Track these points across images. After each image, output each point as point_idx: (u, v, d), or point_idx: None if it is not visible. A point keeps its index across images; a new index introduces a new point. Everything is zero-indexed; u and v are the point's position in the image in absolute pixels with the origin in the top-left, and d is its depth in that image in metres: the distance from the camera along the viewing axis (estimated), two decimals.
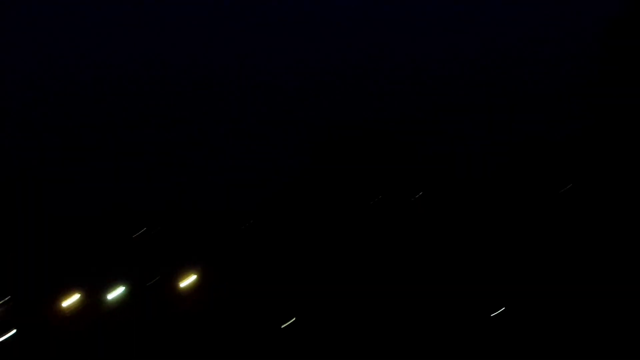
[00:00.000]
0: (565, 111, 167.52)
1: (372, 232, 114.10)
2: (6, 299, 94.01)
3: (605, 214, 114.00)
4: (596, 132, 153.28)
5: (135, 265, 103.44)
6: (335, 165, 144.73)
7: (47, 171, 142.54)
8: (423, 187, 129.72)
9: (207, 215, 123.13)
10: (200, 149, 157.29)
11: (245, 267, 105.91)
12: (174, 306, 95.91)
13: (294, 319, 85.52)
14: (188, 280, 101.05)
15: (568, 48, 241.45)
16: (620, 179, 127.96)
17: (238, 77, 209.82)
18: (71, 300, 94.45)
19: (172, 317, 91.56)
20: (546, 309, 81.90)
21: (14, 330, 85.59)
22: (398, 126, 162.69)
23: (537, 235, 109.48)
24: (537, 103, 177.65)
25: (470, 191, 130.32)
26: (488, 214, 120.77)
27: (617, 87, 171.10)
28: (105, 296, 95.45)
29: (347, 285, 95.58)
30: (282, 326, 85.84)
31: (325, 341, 78.66)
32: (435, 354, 73.01)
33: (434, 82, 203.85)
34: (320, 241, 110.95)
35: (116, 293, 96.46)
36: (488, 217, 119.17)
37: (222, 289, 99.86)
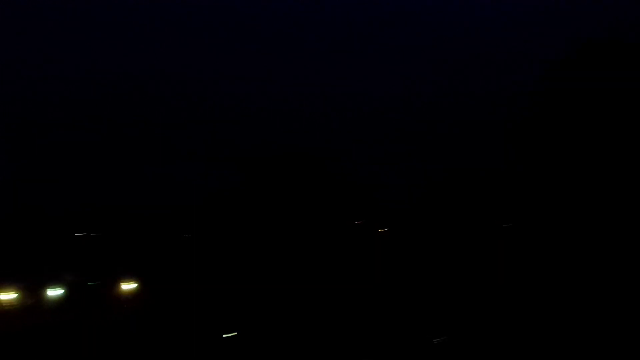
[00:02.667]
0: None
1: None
2: None
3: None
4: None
5: (76, 267, 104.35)
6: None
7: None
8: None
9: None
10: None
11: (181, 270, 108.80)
12: (114, 308, 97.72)
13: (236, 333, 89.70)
14: (129, 285, 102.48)
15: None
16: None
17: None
18: (9, 296, 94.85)
19: (110, 319, 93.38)
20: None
21: None
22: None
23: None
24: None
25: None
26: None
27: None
28: (45, 295, 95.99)
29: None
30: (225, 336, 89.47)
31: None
32: None
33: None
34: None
35: (55, 292, 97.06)
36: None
37: (160, 293, 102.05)
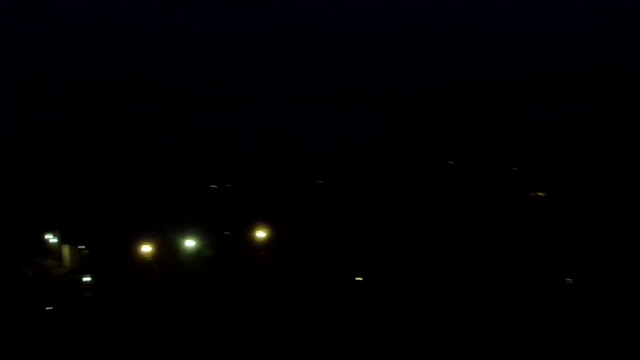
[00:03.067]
0: None
1: None
2: None
3: None
4: None
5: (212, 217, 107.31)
6: None
7: None
8: None
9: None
10: None
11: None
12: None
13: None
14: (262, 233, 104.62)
15: None
16: None
17: None
18: (149, 248, 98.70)
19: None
20: None
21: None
22: None
23: None
24: None
25: None
26: None
27: None
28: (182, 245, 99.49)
29: None
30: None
31: None
32: None
33: None
34: None
35: (191, 243, 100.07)
36: None
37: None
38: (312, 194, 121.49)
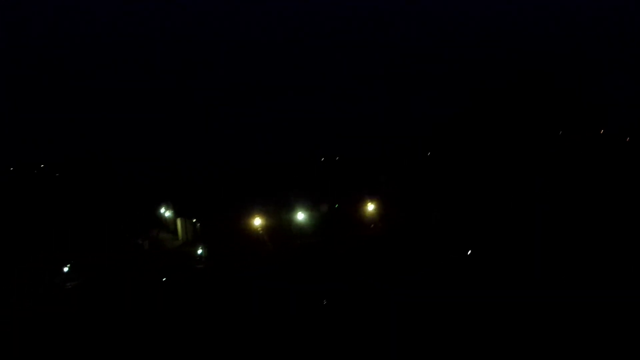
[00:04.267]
0: None
1: None
2: None
3: None
4: None
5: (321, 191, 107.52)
6: None
7: None
8: None
9: None
10: None
11: None
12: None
13: None
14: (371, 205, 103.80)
15: None
16: None
17: None
18: (260, 221, 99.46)
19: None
20: None
21: None
22: None
23: None
24: None
25: None
26: None
27: None
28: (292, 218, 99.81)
29: None
30: None
31: None
32: None
33: None
34: None
35: (301, 216, 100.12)
36: None
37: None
38: (416, 169, 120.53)
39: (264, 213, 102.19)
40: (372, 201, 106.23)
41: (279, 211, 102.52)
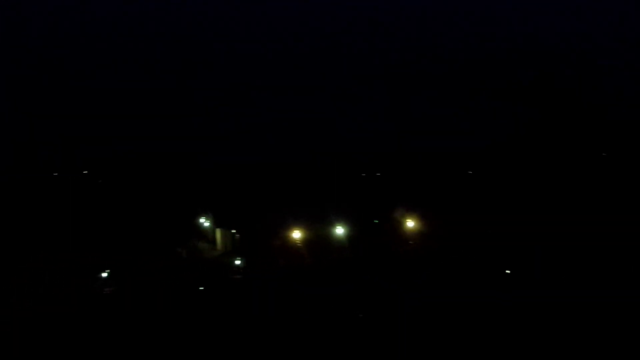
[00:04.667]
0: None
1: None
2: None
3: None
4: None
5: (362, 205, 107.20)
6: None
7: None
8: None
9: None
10: None
11: None
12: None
13: None
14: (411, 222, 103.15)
15: None
16: None
17: None
18: (299, 234, 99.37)
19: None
20: None
21: None
22: None
23: None
24: None
25: None
26: None
27: None
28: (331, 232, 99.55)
29: None
30: None
31: None
32: None
33: None
34: None
35: (340, 230, 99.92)
36: None
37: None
38: (461, 183, 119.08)
39: (302, 226, 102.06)
40: (412, 217, 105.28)
41: (317, 224, 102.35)
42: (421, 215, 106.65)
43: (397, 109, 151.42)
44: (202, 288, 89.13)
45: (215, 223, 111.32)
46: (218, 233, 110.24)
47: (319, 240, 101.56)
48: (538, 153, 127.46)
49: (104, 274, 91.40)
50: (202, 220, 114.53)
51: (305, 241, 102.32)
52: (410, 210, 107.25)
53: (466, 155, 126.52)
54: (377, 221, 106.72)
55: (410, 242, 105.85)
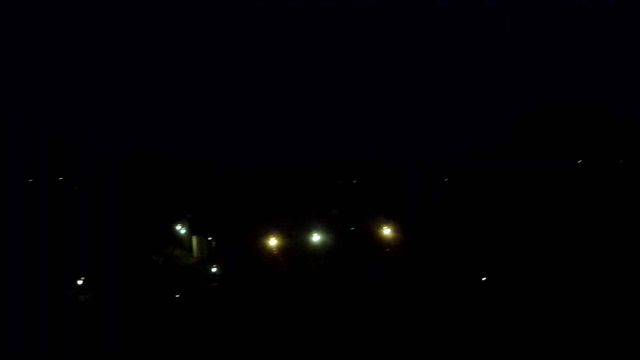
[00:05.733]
0: None
1: None
2: None
3: None
4: None
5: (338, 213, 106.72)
6: None
7: None
8: None
9: None
10: None
11: None
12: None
13: None
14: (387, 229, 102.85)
15: None
16: None
17: None
18: (275, 241, 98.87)
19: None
20: None
21: None
22: None
23: None
24: None
25: None
26: None
27: None
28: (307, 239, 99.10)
29: None
30: None
31: None
32: None
33: None
34: None
35: (317, 237, 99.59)
36: None
37: None
38: (438, 189, 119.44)
39: (279, 233, 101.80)
40: (389, 224, 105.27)
41: (294, 232, 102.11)
42: (398, 222, 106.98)
43: (376, 114, 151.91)
44: (177, 296, 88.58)
45: (192, 230, 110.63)
46: (194, 240, 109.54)
47: (295, 247, 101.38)
48: (526, 155, 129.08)
49: (79, 282, 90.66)
50: (178, 227, 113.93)
51: (282, 248, 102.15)
52: (388, 217, 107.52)
53: (446, 164, 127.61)
54: (353, 228, 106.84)
55: (387, 249, 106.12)
